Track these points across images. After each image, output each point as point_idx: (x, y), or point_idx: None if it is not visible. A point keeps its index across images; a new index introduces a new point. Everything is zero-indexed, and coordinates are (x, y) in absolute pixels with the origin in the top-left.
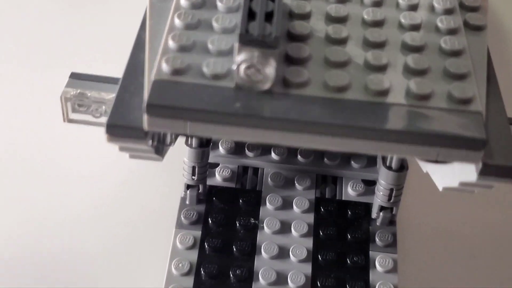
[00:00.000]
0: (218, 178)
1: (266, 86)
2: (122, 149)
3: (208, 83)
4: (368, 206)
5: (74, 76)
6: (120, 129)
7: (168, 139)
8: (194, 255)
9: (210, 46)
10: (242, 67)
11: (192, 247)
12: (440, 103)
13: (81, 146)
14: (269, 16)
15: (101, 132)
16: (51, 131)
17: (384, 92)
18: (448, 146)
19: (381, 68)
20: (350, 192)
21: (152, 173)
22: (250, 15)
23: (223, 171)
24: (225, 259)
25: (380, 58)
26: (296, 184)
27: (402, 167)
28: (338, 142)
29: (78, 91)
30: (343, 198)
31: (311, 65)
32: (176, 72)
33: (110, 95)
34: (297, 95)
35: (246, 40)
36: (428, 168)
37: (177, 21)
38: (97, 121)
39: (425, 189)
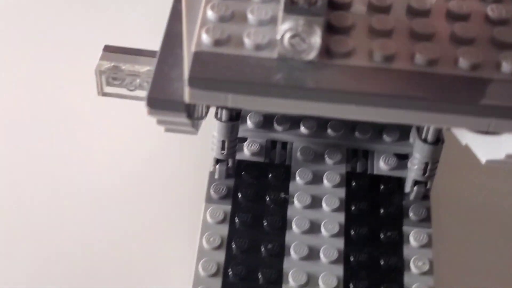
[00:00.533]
0: (246, 152)
1: (311, 56)
2: (160, 122)
3: (249, 54)
4: (401, 181)
5: (108, 49)
6: (161, 102)
7: (200, 112)
8: (224, 230)
9: (250, 15)
10: (287, 36)
11: (222, 221)
12: (490, 73)
13: (108, 121)
14: None
15: (132, 106)
16: (79, 106)
17: (434, 62)
18: (501, 117)
19: (428, 37)
20: (382, 166)
21: (178, 148)
22: None
23: (251, 145)
24: (256, 233)
25: (426, 27)
26: (326, 158)
27: (438, 139)
28: (386, 113)
29: (112, 64)
30: (374, 173)
31: (355, 34)
32: (217, 43)
33: (144, 68)
34: (341, 65)
35: (291, 8)
36: (469, 140)
37: None
38: (132, 95)
39: (458, 162)
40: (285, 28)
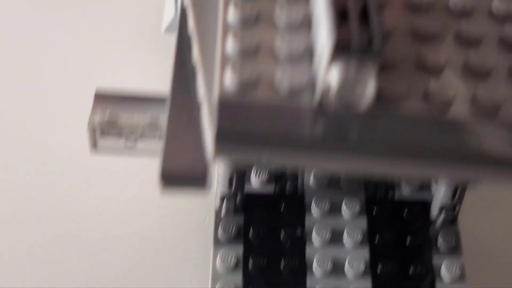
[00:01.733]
0: (254, 182)
1: (363, 106)
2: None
3: (282, 102)
4: (426, 205)
5: (100, 96)
6: (178, 178)
7: None
8: (238, 278)
9: (277, 49)
10: (334, 83)
11: (235, 267)
12: None
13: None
14: (364, 15)
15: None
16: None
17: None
18: None
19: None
20: (403, 189)
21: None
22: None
23: (260, 174)
24: (273, 280)
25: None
26: (342, 183)
27: None
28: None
29: (107, 117)
30: (395, 197)
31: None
32: (244, 87)
33: (146, 118)
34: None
35: (342, 49)
36: None
37: (233, 14)
38: (130, 151)
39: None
40: (334, 75)
